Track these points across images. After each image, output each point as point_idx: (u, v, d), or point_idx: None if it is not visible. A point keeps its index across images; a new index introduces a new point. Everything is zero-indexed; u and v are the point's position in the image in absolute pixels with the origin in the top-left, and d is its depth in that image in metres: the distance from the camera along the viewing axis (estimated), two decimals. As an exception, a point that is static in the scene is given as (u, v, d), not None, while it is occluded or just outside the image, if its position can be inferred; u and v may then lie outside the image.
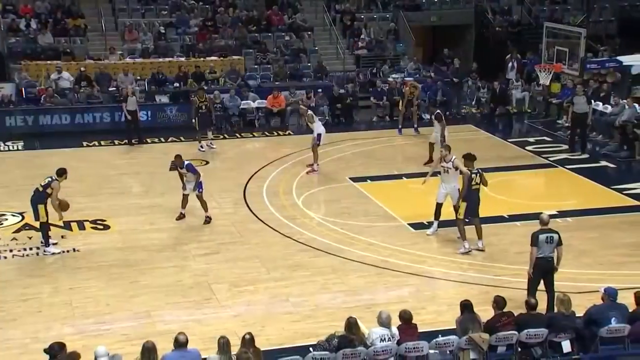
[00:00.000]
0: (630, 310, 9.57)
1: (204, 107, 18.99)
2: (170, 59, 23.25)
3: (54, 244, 13.03)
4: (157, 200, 15.52)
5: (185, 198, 14.33)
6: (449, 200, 13.40)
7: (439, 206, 13.57)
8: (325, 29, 25.89)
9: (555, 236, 10.60)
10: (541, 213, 11.15)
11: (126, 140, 19.70)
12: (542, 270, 10.59)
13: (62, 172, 13.00)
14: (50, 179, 12.83)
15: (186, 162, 14.27)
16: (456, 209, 13.08)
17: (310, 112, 17.69)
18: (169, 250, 13.11)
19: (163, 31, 24.31)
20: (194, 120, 18.99)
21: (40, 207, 12.75)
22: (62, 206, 12.96)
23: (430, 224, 13.72)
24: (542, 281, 10.65)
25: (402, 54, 25.14)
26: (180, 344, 8.49)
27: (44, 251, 12.91)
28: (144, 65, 22.76)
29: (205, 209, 14.23)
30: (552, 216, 13.68)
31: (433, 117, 17.14)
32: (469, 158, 12.90)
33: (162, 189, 16.13)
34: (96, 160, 18.44)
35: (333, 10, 26.40)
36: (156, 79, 22.14)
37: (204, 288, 11.69)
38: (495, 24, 26.87)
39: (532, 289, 10.61)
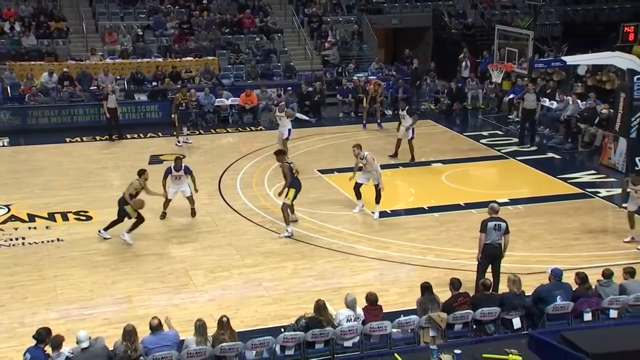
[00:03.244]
0: (573, 289, 9.72)
1: (184, 104, 18.81)
2: (148, 59, 22.98)
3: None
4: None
5: (168, 202, 13.84)
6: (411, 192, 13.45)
7: (358, 185, 14.02)
8: (294, 31, 25.78)
9: (503, 224, 10.65)
10: (492, 202, 11.22)
11: (107, 136, 19.44)
12: (489, 255, 10.65)
13: (141, 172, 12.90)
14: (133, 182, 12.74)
15: (184, 165, 13.89)
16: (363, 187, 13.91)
17: (291, 110, 17.69)
18: (148, 239, 12.97)
19: (141, 33, 24.02)
20: (173, 116, 18.76)
21: (127, 207, 12.62)
22: (137, 204, 12.71)
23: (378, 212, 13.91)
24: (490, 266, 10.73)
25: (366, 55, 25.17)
26: (153, 327, 8.44)
27: (122, 235, 12.73)
28: (124, 66, 22.47)
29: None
30: (504, 204, 13.94)
31: (405, 111, 17.06)
32: (280, 154, 13.53)
33: (141, 182, 15.97)
34: (78, 155, 18.17)
35: (301, 13, 26.30)
36: (135, 78, 21.87)
37: (181, 274, 11.60)
38: (451, 26, 27.01)
39: (480, 272, 10.69)
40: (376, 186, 13.83)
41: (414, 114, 17.23)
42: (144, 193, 12.90)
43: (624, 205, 12.90)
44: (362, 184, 14.03)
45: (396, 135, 17.60)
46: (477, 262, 10.73)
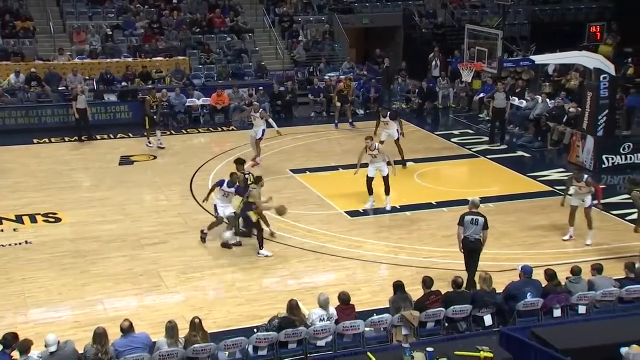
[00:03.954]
0: (543, 286, 9.85)
1: (155, 106, 18.60)
2: (118, 59, 22.75)
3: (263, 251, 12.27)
4: (107, 194, 15.19)
5: (218, 224, 12.81)
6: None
7: (370, 180, 14.13)
8: (265, 31, 25.72)
9: (481, 219, 10.80)
10: (474, 198, 11.35)
11: (76, 137, 19.19)
12: (467, 249, 10.83)
13: (258, 180, 12.56)
14: (249, 190, 12.32)
15: (237, 185, 12.68)
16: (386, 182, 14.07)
17: (265, 111, 17.65)
18: (119, 241, 12.84)
19: (110, 33, 23.76)
20: (146, 119, 18.47)
21: (250, 213, 12.12)
22: (280, 211, 12.46)
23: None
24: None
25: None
26: (124, 330, 8.36)
27: (258, 254, 12.21)
28: (93, 66, 22.20)
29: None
30: (475, 202, 14.01)
31: (388, 117, 16.86)
32: (240, 163, 13.24)
33: (111, 184, 15.83)
34: (47, 157, 17.92)
35: (273, 13, 26.25)
36: (104, 78, 21.65)
37: (153, 276, 11.51)
38: (422, 26, 27.16)
39: (466, 266, 10.83)
40: (385, 178, 14.08)
41: (397, 118, 17.15)
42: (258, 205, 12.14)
43: (566, 203, 12.99)
44: (373, 177, 14.21)
45: (369, 135, 17.55)
46: (458, 260, 10.81)
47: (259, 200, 12.19)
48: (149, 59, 22.82)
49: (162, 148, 18.39)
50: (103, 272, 11.63)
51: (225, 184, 12.65)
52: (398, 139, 16.75)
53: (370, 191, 14.27)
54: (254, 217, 12.15)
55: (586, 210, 12.67)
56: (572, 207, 12.86)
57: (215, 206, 12.78)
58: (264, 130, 16.98)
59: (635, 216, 12.29)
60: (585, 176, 12.97)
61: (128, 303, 10.69)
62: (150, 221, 13.79)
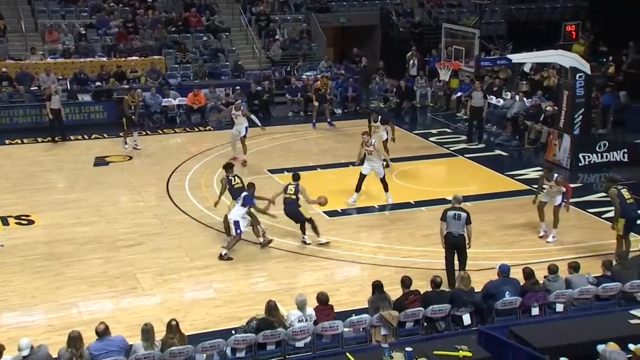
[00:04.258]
0: (521, 284, 9.92)
1: (133, 106, 18.36)
2: (92, 59, 22.52)
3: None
4: (81, 195, 15.05)
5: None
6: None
7: (362, 177, 14.41)
8: (241, 29, 25.64)
9: (463, 215, 10.88)
10: (456, 193, 11.41)
11: (49, 138, 18.96)
12: (451, 245, 10.91)
13: (296, 177, 12.96)
14: (294, 186, 12.75)
15: (244, 194, 12.53)
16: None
17: (246, 109, 17.69)
18: (94, 243, 12.72)
19: (84, 32, 23.52)
20: (123, 119, 18.26)
21: (301, 209, 12.70)
22: (322, 201, 12.98)
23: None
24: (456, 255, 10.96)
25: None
26: (99, 333, 8.28)
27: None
28: (66, 65, 21.96)
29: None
30: (453, 201, 14.10)
31: (378, 122, 16.78)
32: (229, 167, 13.27)
33: (85, 184, 15.69)
34: (19, 158, 17.69)
35: (249, 12, 26.17)
36: (78, 78, 21.42)
37: (129, 278, 11.41)
38: (399, 24, 27.26)
39: (447, 262, 10.93)
40: (381, 179, 14.37)
41: (388, 122, 17.07)
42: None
43: (539, 200, 13.10)
44: (365, 174, 14.38)
45: (347, 134, 17.63)
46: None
47: (307, 195, 12.72)
48: (123, 58, 22.64)
49: (138, 149, 18.21)
50: (77, 275, 11.50)
51: (251, 200, 12.44)
52: (386, 140, 16.83)
53: (358, 188, 14.41)
54: (305, 213, 12.66)
55: (555, 209, 12.84)
56: (541, 203, 13.07)
57: (237, 223, 12.22)
58: (246, 128, 16.98)
59: (612, 214, 12.41)
60: (555, 175, 13.13)
61: (103, 306, 10.58)
62: (126, 222, 13.67)
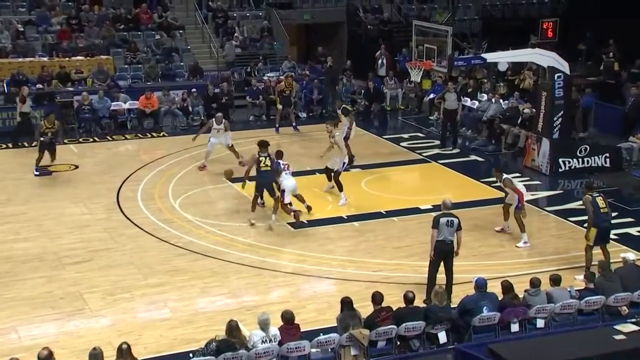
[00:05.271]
0: (499, 299, 10.03)
1: (49, 133, 16.70)
2: (32, 58, 22.27)
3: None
4: (21, 209, 14.83)
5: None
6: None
7: (328, 171, 15.22)
8: (197, 27, 25.59)
9: (455, 220, 10.99)
10: (445, 199, 11.50)
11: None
12: (441, 253, 10.98)
13: (264, 145, 14.05)
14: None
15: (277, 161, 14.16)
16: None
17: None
18: (36, 261, 12.53)
19: (22, 29, 23.21)
20: (36, 143, 17.35)
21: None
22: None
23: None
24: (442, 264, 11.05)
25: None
26: (42, 359, 8.13)
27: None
28: (2, 66, 21.69)
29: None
30: (427, 210, 14.26)
31: (339, 111, 17.20)
32: (263, 144, 14.09)
33: (26, 197, 15.46)
34: (-48, 168, 17.37)
35: (205, 8, 26.12)
36: (16, 79, 21.11)
37: (75, 298, 11.26)
38: (367, 22, 27.47)
39: (432, 271, 10.98)
40: (335, 172, 14.94)
41: (348, 114, 17.38)
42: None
43: (505, 202, 13.59)
44: (332, 169, 14.97)
45: (313, 139, 17.69)
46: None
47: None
48: (67, 58, 22.43)
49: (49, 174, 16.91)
50: (17, 296, 11.32)
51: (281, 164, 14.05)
52: (348, 136, 16.92)
53: (338, 187, 14.98)
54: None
55: (515, 212, 13.17)
56: (506, 204, 13.49)
57: (283, 192, 13.87)
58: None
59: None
60: (504, 176, 13.46)
61: (46, 329, 10.42)
62: (72, 237, 13.50)
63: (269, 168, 13.88)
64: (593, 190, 12.33)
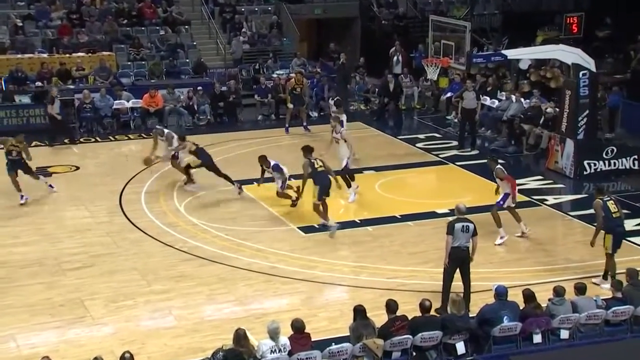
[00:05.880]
0: (521, 308, 9.99)
1: (14, 153, 15.44)
2: (31, 55, 22.43)
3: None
4: (20, 212, 14.92)
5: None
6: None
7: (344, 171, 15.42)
8: (203, 22, 25.68)
9: (471, 226, 10.96)
10: (458, 204, 11.48)
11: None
12: (457, 259, 10.94)
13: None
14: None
15: (272, 163, 14.95)
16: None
17: None
18: (35, 266, 12.60)
19: (21, 24, 23.38)
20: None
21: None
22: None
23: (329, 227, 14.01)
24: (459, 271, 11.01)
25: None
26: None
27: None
28: (0, 63, 21.83)
29: (291, 196, 15.04)
30: (444, 214, 14.22)
31: (332, 102, 17.35)
32: (308, 150, 14.27)
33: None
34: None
35: (211, 2, 26.21)
36: (15, 77, 21.27)
37: (76, 305, 11.31)
38: (381, 17, 27.47)
39: (447, 280, 10.94)
40: (344, 168, 15.24)
41: (340, 105, 18.08)
42: None
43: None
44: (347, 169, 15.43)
45: (325, 140, 17.67)
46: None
47: None
48: (68, 55, 22.57)
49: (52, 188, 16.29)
50: (15, 303, 11.37)
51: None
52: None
53: (348, 184, 15.26)
54: None
55: (493, 209, 13.38)
56: (509, 207, 13.58)
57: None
58: None
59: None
60: (497, 166, 13.53)
61: (46, 338, 10.46)
62: (72, 242, 13.57)
63: (324, 168, 14.13)
64: (604, 194, 12.25)
